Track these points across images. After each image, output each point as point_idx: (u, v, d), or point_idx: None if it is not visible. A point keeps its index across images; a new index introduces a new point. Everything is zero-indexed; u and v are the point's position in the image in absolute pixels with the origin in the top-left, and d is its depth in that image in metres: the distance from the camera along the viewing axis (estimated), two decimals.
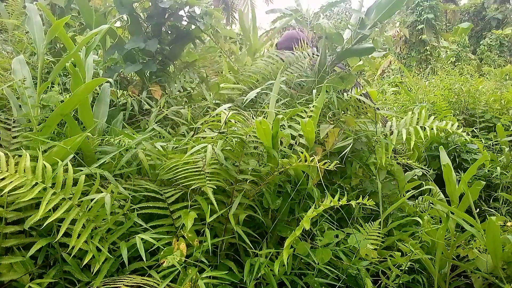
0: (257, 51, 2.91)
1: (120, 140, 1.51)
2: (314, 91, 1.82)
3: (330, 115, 1.79)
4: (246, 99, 1.73)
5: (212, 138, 1.49)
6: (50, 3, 2.40)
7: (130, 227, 1.31)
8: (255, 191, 1.46)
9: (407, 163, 1.87)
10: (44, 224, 1.14)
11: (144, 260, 1.19)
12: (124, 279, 1.11)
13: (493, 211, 2.30)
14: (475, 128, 3.54)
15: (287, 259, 1.26)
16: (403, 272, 1.40)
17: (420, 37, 13.68)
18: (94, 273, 1.18)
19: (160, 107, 2.10)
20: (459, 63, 10.43)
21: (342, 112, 1.82)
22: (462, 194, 1.60)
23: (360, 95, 1.78)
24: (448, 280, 1.56)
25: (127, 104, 2.13)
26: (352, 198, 1.48)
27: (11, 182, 1.11)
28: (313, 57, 2.27)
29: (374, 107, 1.76)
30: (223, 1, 17.65)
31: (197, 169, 1.37)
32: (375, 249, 1.39)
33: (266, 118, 1.52)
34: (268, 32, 3.73)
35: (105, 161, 1.44)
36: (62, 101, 1.66)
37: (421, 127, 1.62)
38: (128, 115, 2.11)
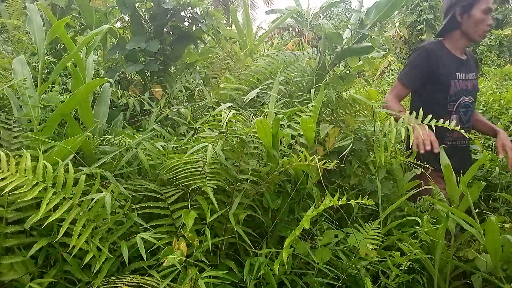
0: (253, 50, 2.92)
1: (120, 140, 1.51)
2: (313, 90, 1.82)
3: (327, 113, 1.79)
4: (246, 99, 1.73)
5: (212, 138, 1.49)
6: (50, 4, 2.41)
7: (130, 226, 1.32)
8: (255, 191, 1.46)
9: (406, 161, 1.87)
10: (45, 224, 1.14)
11: (145, 259, 1.20)
12: (124, 278, 1.11)
13: (491, 212, 2.31)
14: None
15: (287, 259, 1.26)
16: (403, 272, 1.40)
17: (419, 37, 13.69)
18: (94, 272, 1.18)
19: (160, 107, 2.10)
20: None
21: (341, 110, 1.83)
22: (462, 194, 1.60)
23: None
24: (448, 280, 1.56)
25: (128, 104, 2.14)
26: (351, 197, 1.49)
27: (11, 182, 1.11)
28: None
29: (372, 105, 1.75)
30: (223, 1, 17.65)
31: (197, 169, 1.37)
32: (375, 249, 1.39)
33: (266, 118, 1.52)
34: (269, 32, 3.74)
35: (106, 161, 1.44)
36: (62, 101, 1.66)
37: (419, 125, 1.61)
38: (129, 115, 2.11)
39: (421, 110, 1.63)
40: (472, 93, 2.14)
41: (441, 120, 1.55)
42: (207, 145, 1.35)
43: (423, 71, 2.10)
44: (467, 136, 1.66)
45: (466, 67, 2.13)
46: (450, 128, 1.53)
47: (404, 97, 2.19)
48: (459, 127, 2.01)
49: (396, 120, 1.68)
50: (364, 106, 1.82)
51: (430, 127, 1.59)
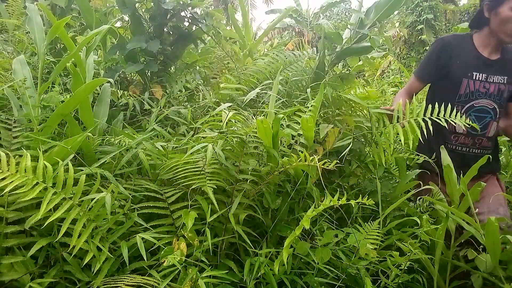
0: (252, 50, 2.92)
1: (120, 140, 1.51)
2: (309, 90, 1.82)
3: (322, 114, 1.79)
4: (246, 99, 1.73)
5: (212, 138, 1.49)
6: (50, 3, 2.41)
7: (130, 226, 1.32)
8: (255, 190, 1.47)
9: (409, 153, 1.84)
10: (45, 224, 1.14)
11: (145, 259, 1.20)
12: (124, 278, 1.11)
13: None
14: None
15: (287, 259, 1.26)
16: (403, 272, 1.40)
17: (419, 37, 13.68)
18: (94, 272, 1.18)
19: (160, 107, 2.11)
20: None
21: (337, 111, 1.82)
22: (463, 194, 1.60)
23: None
24: (448, 280, 1.56)
25: (128, 104, 2.14)
26: (351, 197, 1.49)
27: (12, 182, 1.11)
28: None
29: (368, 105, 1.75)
30: (223, 1, 17.66)
31: (197, 169, 1.37)
32: (375, 248, 1.39)
33: (266, 118, 1.52)
34: (267, 31, 3.74)
35: (106, 161, 1.45)
36: (62, 101, 1.66)
37: (415, 120, 1.59)
38: (129, 115, 2.12)
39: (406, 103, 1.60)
40: (494, 98, 1.88)
41: (428, 113, 1.52)
42: (207, 145, 1.35)
43: (435, 64, 1.93)
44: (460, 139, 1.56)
45: (492, 68, 1.88)
46: (449, 130, 1.51)
47: (416, 91, 2.04)
48: (466, 132, 1.93)
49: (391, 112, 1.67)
50: (360, 105, 1.82)
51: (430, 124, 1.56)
